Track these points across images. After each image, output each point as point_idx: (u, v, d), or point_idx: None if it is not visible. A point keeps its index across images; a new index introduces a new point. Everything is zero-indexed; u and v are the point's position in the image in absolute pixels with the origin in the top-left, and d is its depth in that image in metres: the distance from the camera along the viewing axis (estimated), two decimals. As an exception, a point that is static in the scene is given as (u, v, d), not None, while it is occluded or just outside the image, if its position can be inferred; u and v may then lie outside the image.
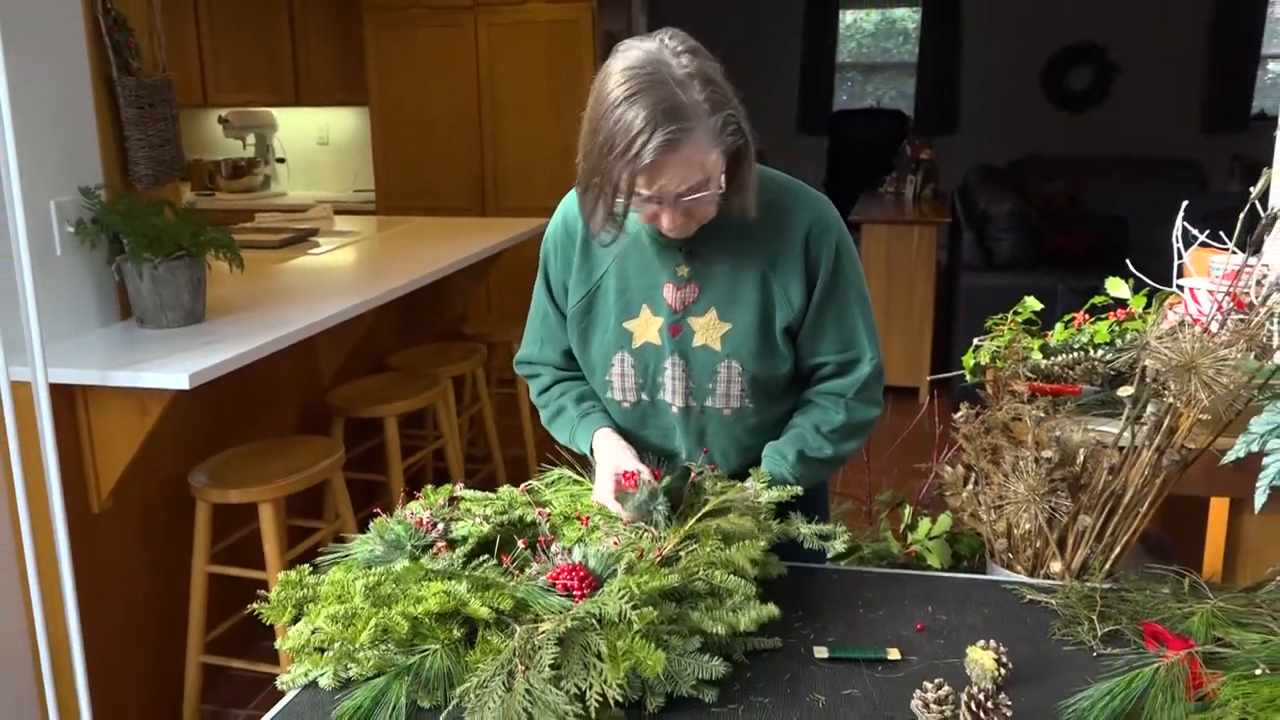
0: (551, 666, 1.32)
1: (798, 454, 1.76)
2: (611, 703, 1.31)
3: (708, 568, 1.49)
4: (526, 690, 1.30)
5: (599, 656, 1.34)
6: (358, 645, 1.40)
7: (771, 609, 1.48)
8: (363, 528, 1.67)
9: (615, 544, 1.55)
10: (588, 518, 1.68)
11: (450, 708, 1.36)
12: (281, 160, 6.75)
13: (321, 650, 1.45)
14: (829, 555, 1.67)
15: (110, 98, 2.93)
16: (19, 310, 2.35)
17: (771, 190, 1.71)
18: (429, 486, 1.77)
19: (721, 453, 1.81)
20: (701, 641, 1.43)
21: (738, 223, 1.64)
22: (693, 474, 1.73)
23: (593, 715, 1.31)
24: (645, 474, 1.66)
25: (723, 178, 1.54)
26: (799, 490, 1.71)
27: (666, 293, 1.73)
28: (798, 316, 1.71)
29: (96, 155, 2.87)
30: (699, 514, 1.62)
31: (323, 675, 1.44)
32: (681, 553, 1.53)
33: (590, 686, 1.31)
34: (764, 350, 1.72)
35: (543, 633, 1.35)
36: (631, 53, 1.52)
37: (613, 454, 1.75)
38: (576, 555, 1.53)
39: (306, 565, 1.58)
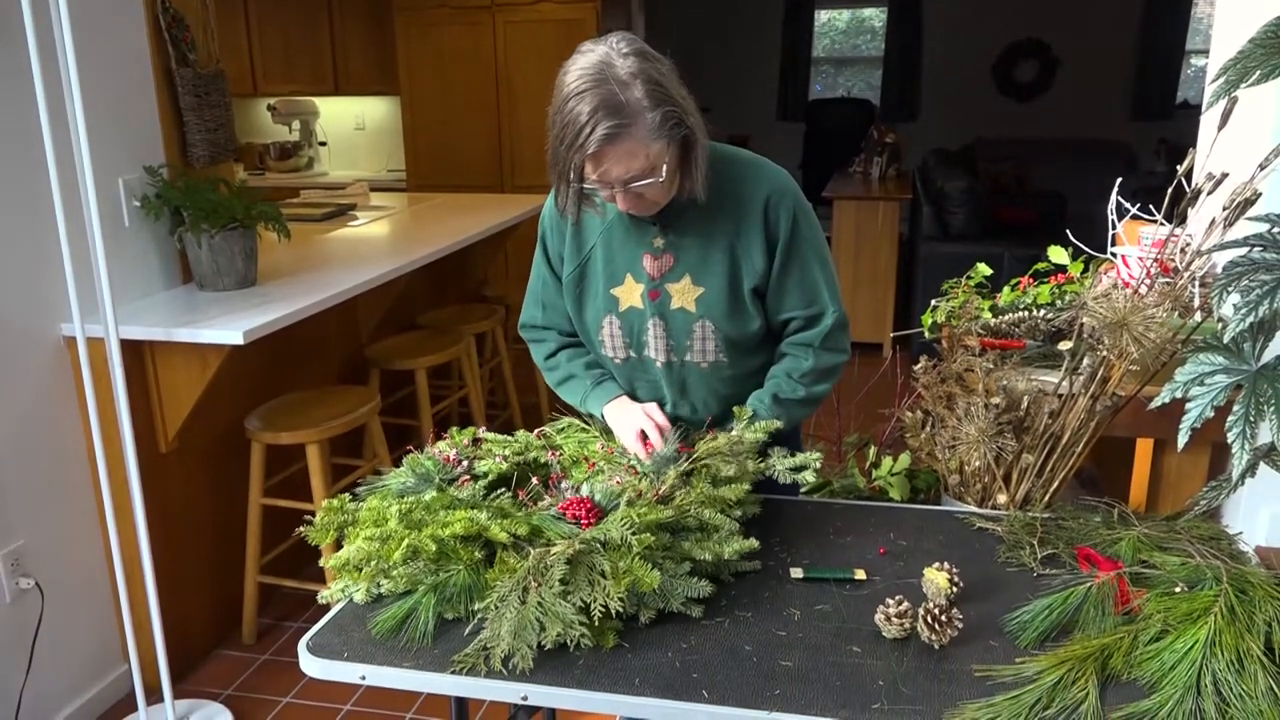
0: (561, 582, 1.33)
1: (773, 397, 1.75)
2: (612, 613, 1.32)
3: (698, 506, 1.49)
4: (539, 603, 1.31)
5: (603, 575, 1.35)
6: (391, 563, 1.41)
7: (751, 542, 1.49)
8: (397, 465, 1.67)
9: (617, 483, 1.55)
10: (594, 462, 1.68)
11: (474, 622, 1.37)
12: (323, 143, 6.69)
13: (359, 569, 1.45)
14: (802, 488, 1.67)
15: (170, 87, 2.89)
16: (93, 275, 2.33)
17: (734, 167, 1.69)
18: (454, 428, 1.76)
19: (702, 402, 1.80)
20: (691, 566, 1.43)
21: (705, 199, 1.63)
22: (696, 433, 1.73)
23: (595, 624, 1.31)
24: (673, 445, 1.68)
25: (664, 167, 1.53)
26: (778, 424, 1.70)
27: (645, 262, 1.71)
28: (762, 278, 1.69)
29: (159, 138, 2.84)
30: (691, 460, 1.62)
31: (358, 591, 1.44)
32: (676, 493, 1.53)
33: (594, 600, 1.32)
34: (734, 311, 1.71)
35: (554, 554, 1.36)
36: (584, 56, 1.52)
37: (636, 411, 1.75)
38: (585, 490, 1.53)
39: (347, 494, 1.59)
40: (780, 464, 1.65)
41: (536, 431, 1.82)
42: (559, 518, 1.47)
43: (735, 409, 1.74)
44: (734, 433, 1.68)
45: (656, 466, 1.61)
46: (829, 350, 1.76)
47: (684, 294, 1.70)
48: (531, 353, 1.94)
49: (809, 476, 1.63)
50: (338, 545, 1.51)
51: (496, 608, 1.33)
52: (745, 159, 1.72)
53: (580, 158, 1.50)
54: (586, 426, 1.84)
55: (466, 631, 1.36)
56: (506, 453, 1.68)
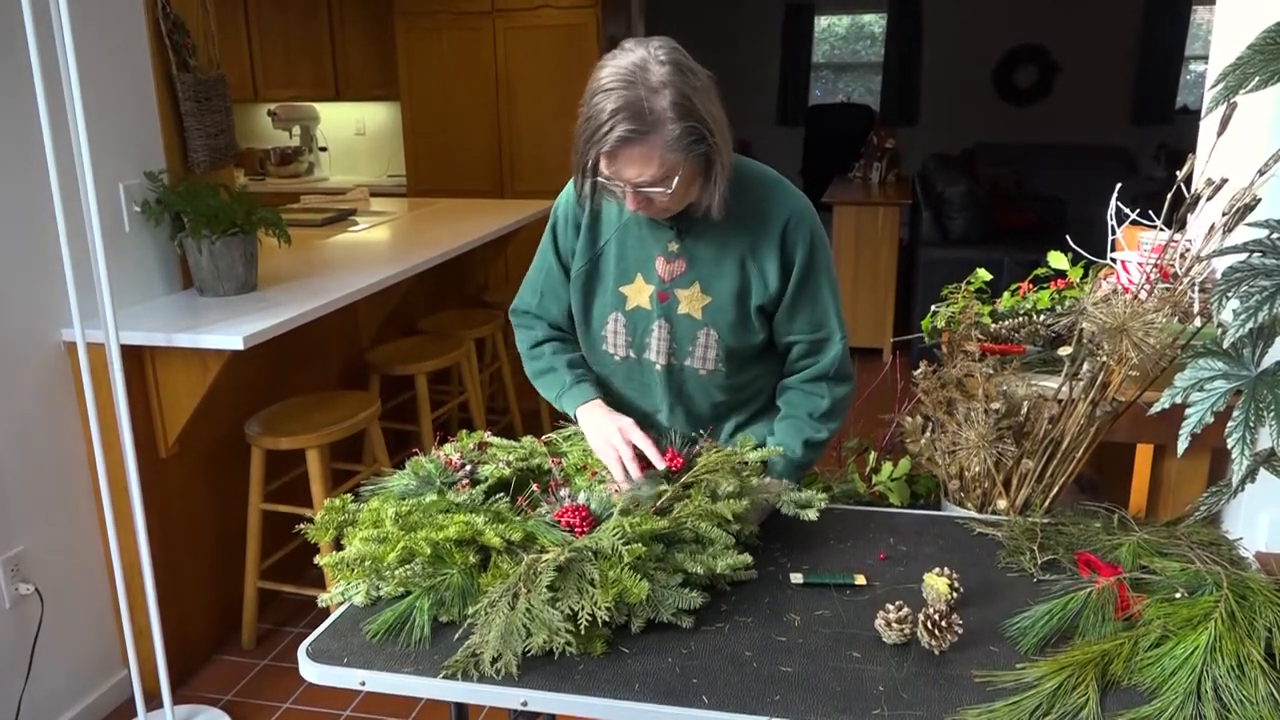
0: (550, 589, 1.33)
1: (803, 442, 1.76)
2: (600, 622, 1.32)
3: (695, 519, 1.49)
4: (527, 609, 1.31)
5: (592, 583, 1.34)
6: (386, 564, 1.41)
7: (745, 558, 1.48)
8: (398, 469, 1.67)
9: (616, 493, 1.54)
10: (595, 471, 1.68)
11: (465, 625, 1.37)
12: (324, 149, 6.69)
13: (352, 568, 1.45)
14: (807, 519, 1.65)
15: (170, 92, 2.89)
16: (93, 280, 2.33)
17: (756, 184, 1.69)
18: (463, 431, 1.77)
19: (697, 406, 1.81)
20: (683, 578, 1.43)
21: (720, 217, 1.62)
22: (698, 445, 1.72)
23: (582, 632, 1.31)
24: (660, 464, 1.65)
25: (676, 180, 1.52)
26: (779, 450, 1.71)
27: (658, 265, 1.71)
28: (772, 297, 1.70)
29: (159, 143, 2.84)
30: (691, 474, 1.61)
31: (357, 594, 1.44)
32: (674, 505, 1.53)
33: (582, 608, 1.31)
34: (739, 323, 1.71)
35: (545, 560, 1.36)
36: (623, 55, 1.52)
37: (612, 423, 1.72)
38: (581, 499, 1.53)
39: (348, 494, 1.59)
40: (787, 496, 1.63)
41: (543, 438, 1.81)
42: (553, 525, 1.47)
43: (739, 437, 1.74)
44: (738, 452, 1.67)
45: (630, 500, 1.54)
46: (840, 381, 1.78)
47: (692, 301, 1.71)
48: (516, 337, 1.92)
49: (812, 515, 1.62)
50: (338, 545, 1.52)
51: (486, 613, 1.33)
52: (769, 178, 1.72)
53: (596, 152, 1.51)
54: None
55: (456, 636, 1.36)
56: (510, 458, 1.68)
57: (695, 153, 1.52)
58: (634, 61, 1.49)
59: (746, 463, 1.64)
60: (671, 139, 1.49)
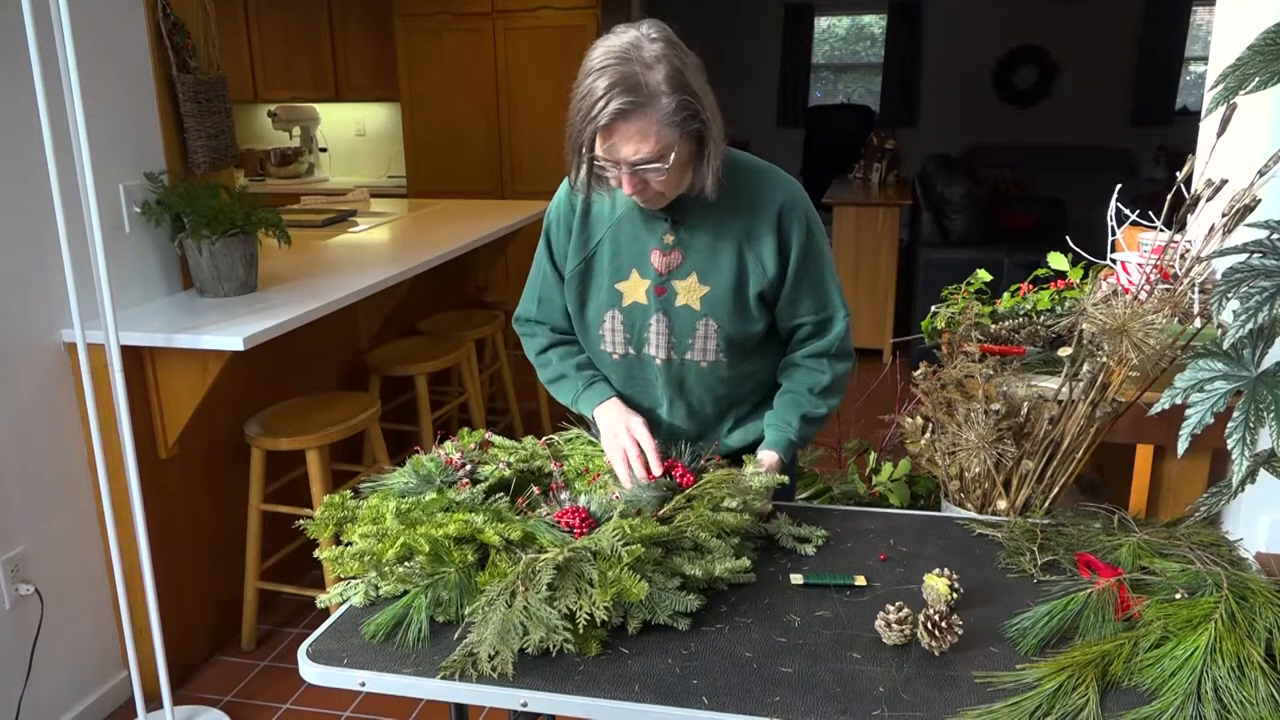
0: (548, 588, 1.33)
1: (800, 417, 1.77)
2: (598, 622, 1.32)
3: (695, 529, 1.49)
4: (525, 607, 1.31)
5: (590, 583, 1.34)
6: (385, 561, 1.41)
7: (744, 562, 1.48)
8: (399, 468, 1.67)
9: (616, 497, 1.54)
10: (596, 475, 1.67)
11: (464, 625, 1.37)
12: (324, 150, 6.70)
13: (354, 561, 1.45)
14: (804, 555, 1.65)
15: (170, 93, 2.89)
16: (93, 281, 2.34)
17: (749, 173, 1.70)
18: (464, 429, 1.77)
19: (698, 401, 1.81)
20: (681, 581, 1.43)
21: (718, 199, 1.63)
22: (703, 460, 1.72)
23: (580, 631, 1.31)
24: (657, 469, 1.66)
25: (673, 156, 1.53)
26: (786, 480, 1.71)
27: (654, 258, 1.72)
28: (771, 284, 1.70)
29: (159, 144, 2.84)
30: (695, 487, 1.61)
31: (356, 595, 1.45)
32: (676, 514, 1.53)
33: (580, 608, 1.32)
34: (738, 312, 1.72)
35: (543, 560, 1.36)
36: (614, 37, 1.53)
37: (623, 420, 1.74)
38: (582, 500, 1.53)
39: (348, 490, 1.59)
40: (785, 528, 1.65)
41: (544, 440, 1.81)
42: (553, 525, 1.47)
43: (745, 457, 1.74)
44: (744, 472, 1.67)
45: (633, 501, 1.56)
46: (841, 359, 1.79)
47: (690, 291, 1.71)
48: (523, 347, 1.94)
49: (809, 549, 1.62)
50: (337, 541, 1.52)
51: (483, 611, 1.33)
52: (760, 166, 1.73)
53: (592, 129, 1.51)
54: (594, 440, 1.84)
55: (456, 636, 1.36)
56: (511, 459, 1.68)
57: (689, 128, 1.53)
58: (627, 41, 1.51)
59: (751, 487, 1.64)
60: (668, 111, 1.49)
